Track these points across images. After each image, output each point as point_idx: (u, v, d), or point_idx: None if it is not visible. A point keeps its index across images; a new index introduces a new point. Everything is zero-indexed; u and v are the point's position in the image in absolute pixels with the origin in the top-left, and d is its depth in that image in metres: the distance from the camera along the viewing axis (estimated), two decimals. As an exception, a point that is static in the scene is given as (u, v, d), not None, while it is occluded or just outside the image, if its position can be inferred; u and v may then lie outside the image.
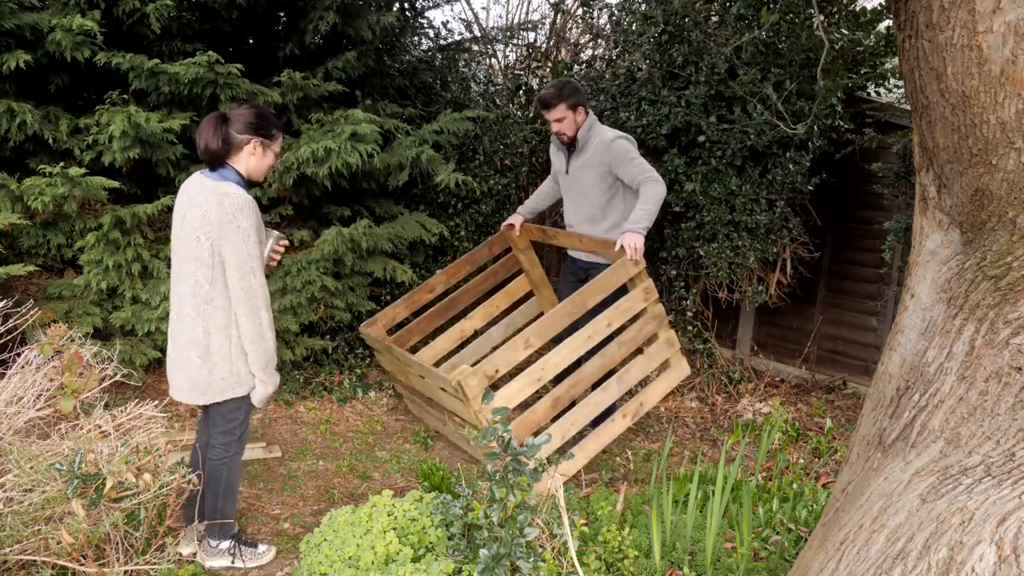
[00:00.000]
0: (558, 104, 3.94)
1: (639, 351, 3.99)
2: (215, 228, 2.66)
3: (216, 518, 2.94)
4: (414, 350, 4.75)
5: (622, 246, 3.66)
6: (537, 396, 4.41)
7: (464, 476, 3.76)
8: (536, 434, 3.82)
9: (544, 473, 3.03)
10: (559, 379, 3.82)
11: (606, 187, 3.98)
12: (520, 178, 5.50)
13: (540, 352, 4.56)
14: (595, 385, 3.87)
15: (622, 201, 4.00)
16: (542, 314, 4.64)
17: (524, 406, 4.24)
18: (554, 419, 3.76)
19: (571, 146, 4.07)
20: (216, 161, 2.75)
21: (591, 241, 4.04)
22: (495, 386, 3.82)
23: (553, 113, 3.97)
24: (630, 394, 4.37)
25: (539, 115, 5.66)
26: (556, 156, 4.25)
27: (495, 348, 4.52)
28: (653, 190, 3.77)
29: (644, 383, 4.48)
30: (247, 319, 2.71)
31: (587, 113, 4.01)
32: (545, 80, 6.34)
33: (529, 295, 4.79)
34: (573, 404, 3.89)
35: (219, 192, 2.68)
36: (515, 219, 4.51)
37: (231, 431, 2.89)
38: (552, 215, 5.71)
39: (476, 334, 4.83)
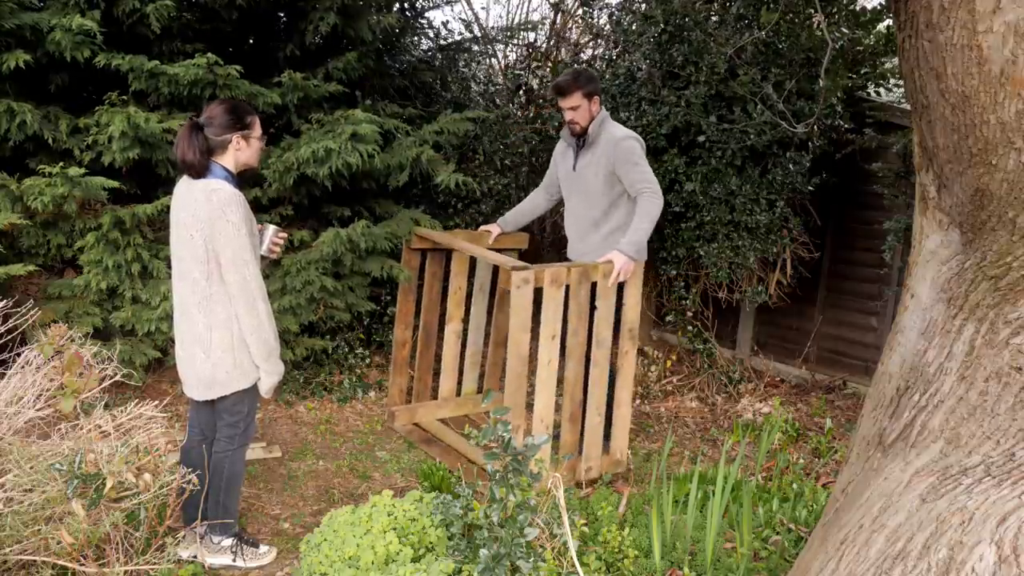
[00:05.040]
0: (575, 91, 3.78)
1: (593, 308, 3.85)
2: (206, 224, 2.71)
3: (219, 512, 2.95)
4: (436, 376, 4.72)
5: (612, 264, 3.53)
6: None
7: (464, 476, 3.76)
8: (583, 437, 3.85)
9: (544, 471, 3.03)
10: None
11: (609, 189, 3.85)
12: (520, 178, 5.50)
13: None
14: (586, 370, 3.83)
15: (624, 206, 3.88)
16: (499, 251, 4.44)
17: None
18: (583, 417, 3.80)
19: (580, 141, 3.94)
20: (196, 171, 2.76)
21: (494, 256, 3.87)
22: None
23: (568, 100, 3.81)
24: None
25: (539, 115, 5.64)
26: (563, 155, 4.08)
27: (490, 313, 4.52)
28: (651, 204, 3.65)
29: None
30: (245, 311, 2.77)
31: (601, 106, 3.88)
32: (545, 80, 6.33)
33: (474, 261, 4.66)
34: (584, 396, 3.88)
35: (208, 189, 2.74)
36: (492, 228, 4.38)
37: (235, 424, 2.94)
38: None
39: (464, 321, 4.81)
